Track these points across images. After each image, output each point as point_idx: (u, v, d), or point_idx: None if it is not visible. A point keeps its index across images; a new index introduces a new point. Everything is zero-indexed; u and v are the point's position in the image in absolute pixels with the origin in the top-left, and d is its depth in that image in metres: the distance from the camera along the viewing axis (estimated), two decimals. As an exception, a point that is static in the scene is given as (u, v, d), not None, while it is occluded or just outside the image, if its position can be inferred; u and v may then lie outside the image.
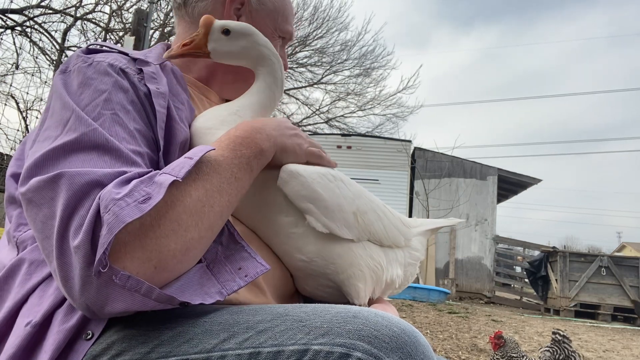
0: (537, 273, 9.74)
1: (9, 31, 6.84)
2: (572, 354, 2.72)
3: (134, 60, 0.80)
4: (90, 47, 0.82)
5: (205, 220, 0.62)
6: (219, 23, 0.82)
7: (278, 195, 0.77)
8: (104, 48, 0.82)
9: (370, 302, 0.86)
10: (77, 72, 0.73)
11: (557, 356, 2.73)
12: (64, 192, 0.57)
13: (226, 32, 0.82)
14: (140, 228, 0.56)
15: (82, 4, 7.38)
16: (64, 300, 0.63)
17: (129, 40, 4.41)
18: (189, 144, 0.79)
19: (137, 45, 4.37)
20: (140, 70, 0.78)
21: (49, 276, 0.67)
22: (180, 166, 0.62)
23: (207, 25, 0.81)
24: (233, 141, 0.71)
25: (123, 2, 7.32)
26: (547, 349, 2.80)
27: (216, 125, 0.78)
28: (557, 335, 2.81)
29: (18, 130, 6.76)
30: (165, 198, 0.58)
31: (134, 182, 0.58)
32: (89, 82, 0.72)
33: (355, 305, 0.79)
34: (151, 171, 0.63)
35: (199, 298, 0.60)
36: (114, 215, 0.54)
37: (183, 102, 0.82)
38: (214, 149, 0.67)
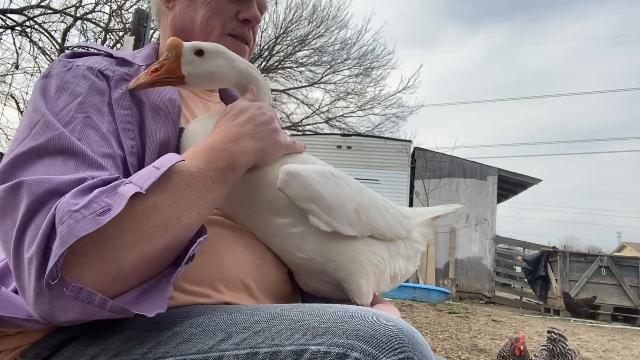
0: (535, 272, 9.75)
1: (9, 31, 6.84)
2: (568, 352, 2.72)
3: (118, 60, 0.80)
4: (76, 50, 0.82)
5: (171, 232, 0.60)
6: (189, 44, 0.76)
7: (272, 197, 0.76)
8: (89, 50, 0.82)
9: (372, 302, 0.85)
10: (56, 77, 0.74)
11: (554, 353, 2.73)
12: (23, 201, 0.57)
13: (199, 52, 0.77)
14: (98, 239, 0.55)
15: (82, 4, 7.38)
16: None
17: (129, 40, 4.40)
18: (181, 145, 0.79)
19: (137, 45, 4.36)
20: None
21: None
22: (146, 177, 0.60)
23: (177, 47, 0.74)
24: (209, 153, 0.68)
25: (123, 2, 7.32)
26: (544, 347, 2.80)
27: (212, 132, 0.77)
28: (552, 334, 2.82)
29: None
30: (128, 209, 0.56)
31: (95, 191, 0.56)
32: (66, 86, 0.72)
33: (357, 304, 0.78)
34: (118, 178, 0.61)
35: (156, 308, 0.58)
36: (67, 228, 0.52)
37: (169, 100, 0.81)
38: (184, 160, 0.64)
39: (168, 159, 0.63)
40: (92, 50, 0.83)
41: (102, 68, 0.76)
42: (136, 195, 0.57)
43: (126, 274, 0.57)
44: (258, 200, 0.77)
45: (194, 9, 0.93)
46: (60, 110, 0.69)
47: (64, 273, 0.53)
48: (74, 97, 0.71)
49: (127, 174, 0.68)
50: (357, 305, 0.77)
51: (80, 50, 0.83)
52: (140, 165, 0.71)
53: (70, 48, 7.36)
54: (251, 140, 0.74)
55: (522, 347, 2.70)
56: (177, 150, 0.80)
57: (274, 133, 0.78)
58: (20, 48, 6.98)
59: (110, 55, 0.82)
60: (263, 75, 0.87)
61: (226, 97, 1.05)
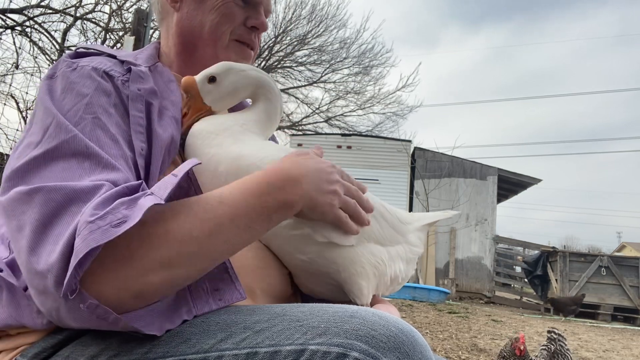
0: (534, 271, 9.76)
1: (8, 31, 6.84)
2: (566, 352, 2.73)
3: (122, 62, 0.80)
4: (79, 50, 0.82)
5: (199, 264, 0.60)
6: (200, 77, 0.81)
7: None
8: (91, 51, 0.82)
9: (372, 303, 0.86)
10: (62, 78, 0.73)
11: (554, 353, 2.73)
12: (42, 207, 0.57)
13: (212, 79, 0.81)
14: (125, 257, 0.55)
15: (82, 3, 7.37)
16: None
17: (129, 40, 4.40)
18: (187, 145, 0.79)
19: (137, 45, 4.36)
20: (128, 71, 0.78)
21: None
22: (164, 187, 0.59)
23: (192, 87, 0.80)
24: (261, 187, 0.65)
25: (123, 2, 7.32)
26: (544, 347, 2.81)
27: (217, 130, 0.77)
28: (552, 334, 2.83)
29: (18, 130, 6.75)
30: (165, 231, 0.56)
31: (116, 202, 0.56)
32: (72, 86, 0.72)
33: (357, 304, 0.78)
34: (141, 184, 0.61)
35: (168, 324, 0.59)
36: (81, 239, 0.52)
37: (173, 102, 0.82)
38: (200, 163, 0.64)
39: (184, 166, 0.62)
40: (94, 50, 0.83)
41: (107, 69, 0.76)
42: (161, 212, 0.57)
43: (145, 295, 0.57)
44: None
45: (203, 13, 0.92)
46: (67, 111, 0.68)
47: (84, 284, 0.53)
48: (80, 98, 0.70)
49: (137, 175, 0.68)
50: (357, 305, 0.78)
51: (83, 50, 0.83)
52: (148, 167, 0.71)
53: (71, 48, 7.37)
54: (310, 187, 0.70)
55: (522, 347, 2.69)
56: (182, 150, 0.80)
57: (331, 194, 0.73)
58: (20, 48, 6.96)
59: (113, 56, 0.82)
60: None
61: None
